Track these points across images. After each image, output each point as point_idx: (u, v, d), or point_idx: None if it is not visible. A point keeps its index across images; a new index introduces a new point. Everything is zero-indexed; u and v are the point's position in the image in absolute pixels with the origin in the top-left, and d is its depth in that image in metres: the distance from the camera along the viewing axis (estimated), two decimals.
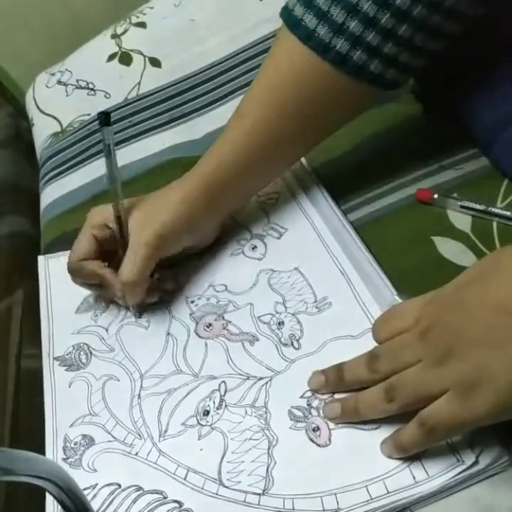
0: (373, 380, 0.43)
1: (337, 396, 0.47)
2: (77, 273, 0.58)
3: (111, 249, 0.58)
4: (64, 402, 0.55)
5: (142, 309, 0.59)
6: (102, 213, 0.58)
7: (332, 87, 0.52)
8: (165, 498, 0.46)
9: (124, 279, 0.54)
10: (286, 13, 0.52)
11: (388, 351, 0.43)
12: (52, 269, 0.67)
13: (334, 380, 0.47)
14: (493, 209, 0.54)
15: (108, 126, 0.54)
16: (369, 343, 0.48)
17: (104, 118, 0.54)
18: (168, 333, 0.56)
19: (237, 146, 0.55)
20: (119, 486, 0.47)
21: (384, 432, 0.44)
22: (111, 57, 0.93)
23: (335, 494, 0.43)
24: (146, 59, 0.91)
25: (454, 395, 0.38)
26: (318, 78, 0.51)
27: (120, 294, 0.56)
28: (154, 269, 0.56)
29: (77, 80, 0.93)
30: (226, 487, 0.45)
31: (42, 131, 0.91)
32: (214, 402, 0.50)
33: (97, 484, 0.48)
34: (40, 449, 0.52)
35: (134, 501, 0.46)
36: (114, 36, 0.95)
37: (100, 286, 0.58)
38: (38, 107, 0.94)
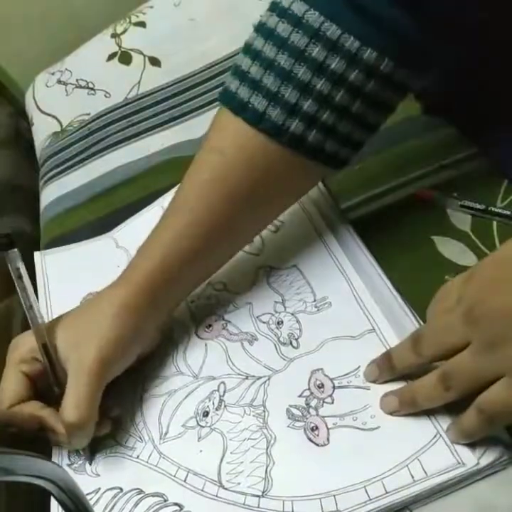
0: (422, 363, 0.43)
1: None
2: (11, 422, 0.46)
3: (46, 384, 0.49)
4: None
5: (94, 449, 0.49)
6: (26, 343, 0.49)
7: (286, 169, 0.49)
8: (166, 500, 0.46)
9: (70, 420, 0.45)
10: (228, 96, 0.49)
11: (432, 333, 0.42)
12: (50, 266, 0.66)
13: (386, 369, 0.45)
14: (493, 208, 0.54)
15: (13, 248, 0.47)
16: (369, 345, 0.48)
17: (7, 241, 0.46)
18: (169, 335, 0.56)
19: (181, 241, 0.50)
20: (121, 489, 0.47)
21: (383, 432, 0.44)
22: (111, 57, 0.93)
23: (333, 496, 0.42)
24: (146, 58, 0.91)
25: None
26: (271, 161, 0.49)
27: (64, 439, 0.47)
28: None
29: (77, 80, 0.93)
30: (226, 489, 0.45)
31: (42, 131, 0.91)
32: (213, 403, 0.50)
33: (99, 488, 0.48)
34: (40, 450, 0.51)
35: (136, 505, 0.46)
36: (114, 36, 0.95)
37: (42, 431, 0.48)
38: (38, 107, 0.94)
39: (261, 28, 0.49)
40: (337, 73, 0.45)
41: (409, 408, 0.44)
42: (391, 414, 0.44)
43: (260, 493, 0.44)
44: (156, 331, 0.53)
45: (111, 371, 0.48)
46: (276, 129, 0.47)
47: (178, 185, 0.67)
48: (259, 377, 0.50)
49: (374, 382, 0.46)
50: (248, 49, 0.49)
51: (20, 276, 0.47)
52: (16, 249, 0.47)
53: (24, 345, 0.49)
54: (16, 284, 0.48)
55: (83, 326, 0.48)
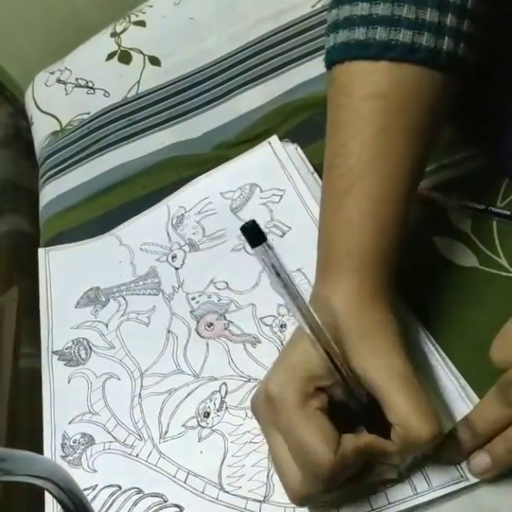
0: None
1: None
2: (343, 472, 0.38)
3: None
4: (63, 397, 0.55)
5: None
6: (293, 375, 0.40)
7: (442, 90, 0.47)
8: (165, 501, 0.46)
9: (429, 432, 0.37)
10: (358, 48, 0.46)
11: None
12: (53, 262, 0.66)
13: (468, 440, 0.40)
14: (493, 208, 0.54)
15: (263, 240, 0.36)
16: None
17: (255, 232, 0.36)
18: (169, 331, 0.56)
19: (384, 206, 0.45)
20: (120, 487, 0.47)
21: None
22: (110, 56, 0.93)
23: (336, 506, 0.42)
24: (146, 57, 0.90)
25: None
26: (432, 86, 0.46)
27: (396, 459, 0.40)
28: None
29: (77, 79, 0.93)
30: (226, 492, 0.45)
31: (41, 130, 0.91)
32: (214, 404, 0.50)
33: (97, 485, 0.48)
34: (39, 449, 0.51)
35: (135, 504, 0.46)
36: (114, 35, 0.95)
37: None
38: (38, 106, 0.94)
39: None
40: None
41: (505, 463, 0.39)
42: (482, 476, 0.40)
43: (262, 499, 0.44)
44: None
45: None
46: (430, 53, 0.45)
47: (184, 186, 0.67)
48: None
49: (458, 462, 0.41)
50: None
51: (278, 274, 0.36)
52: (265, 243, 0.36)
53: (293, 379, 0.40)
54: (275, 282, 0.37)
55: (367, 327, 0.42)
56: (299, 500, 0.39)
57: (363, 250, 0.44)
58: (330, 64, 0.49)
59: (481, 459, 0.39)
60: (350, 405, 0.40)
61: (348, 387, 0.39)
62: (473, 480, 0.40)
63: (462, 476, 0.41)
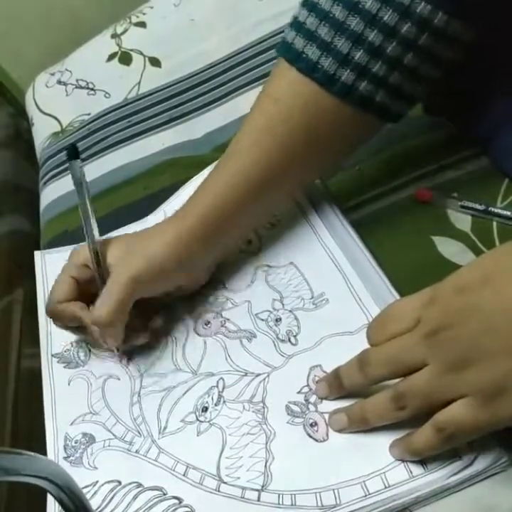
0: (369, 384, 0.43)
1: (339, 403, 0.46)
2: (57, 316, 0.55)
3: (95, 291, 0.54)
4: (63, 399, 0.55)
5: (129, 352, 0.55)
6: (81, 252, 0.55)
7: (338, 118, 0.51)
8: (165, 494, 0.46)
9: (94, 319, 0.51)
10: (284, 47, 0.51)
11: (385, 355, 0.42)
12: (49, 265, 0.66)
13: (336, 387, 0.46)
14: (493, 209, 0.54)
15: (76, 159, 0.52)
16: (366, 339, 0.48)
17: (72, 151, 0.51)
18: (168, 332, 0.56)
19: (235, 183, 0.52)
20: (120, 482, 0.47)
21: (381, 426, 0.44)
22: (111, 57, 0.93)
23: (333, 490, 0.42)
24: (146, 59, 0.91)
25: (476, 400, 0.37)
26: (323, 109, 0.50)
27: (96, 336, 0.53)
28: (145, 306, 0.54)
29: (77, 80, 0.94)
30: (225, 483, 0.45)
31: (42, 131, 0.91)
32: (212, 399, 0.50)
33: (97, 481, 0.48)
34: (41, 449, 0.52)
35: (135, 498, 0.46)
36: (114, 36, 0.96)
37: (82, 330, 0.55)
38: (38, 107, 0.94)
39: None
40: (389, 25, 0.46)
41: (359, 426, 0.44)
42: (340, 431, 0.45)
43: (260, 488, 0.44)
44: (204, 271, 0.56)
45: (142, 289, 0.52)
46: (327, 78, 0.49)
47: (182, 187, 0.67)
48: (258, 374, 0.50)
49: (325, 399, 0.47)
50: (306, 1, 0.50)
51: (81, 188, 0.52)
52: (79, 160, 0.51)
53: (80, 255, 0.55)
54: (78, 195, 0.52)
55: (133, 246, 0.53)
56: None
57: (198, 209, 0.53)
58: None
59: (340, 417, 0.45)
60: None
61: (100, 278, 0.53)
62: (467, 460, 0.41)
63: (456, 456, 0.41)
